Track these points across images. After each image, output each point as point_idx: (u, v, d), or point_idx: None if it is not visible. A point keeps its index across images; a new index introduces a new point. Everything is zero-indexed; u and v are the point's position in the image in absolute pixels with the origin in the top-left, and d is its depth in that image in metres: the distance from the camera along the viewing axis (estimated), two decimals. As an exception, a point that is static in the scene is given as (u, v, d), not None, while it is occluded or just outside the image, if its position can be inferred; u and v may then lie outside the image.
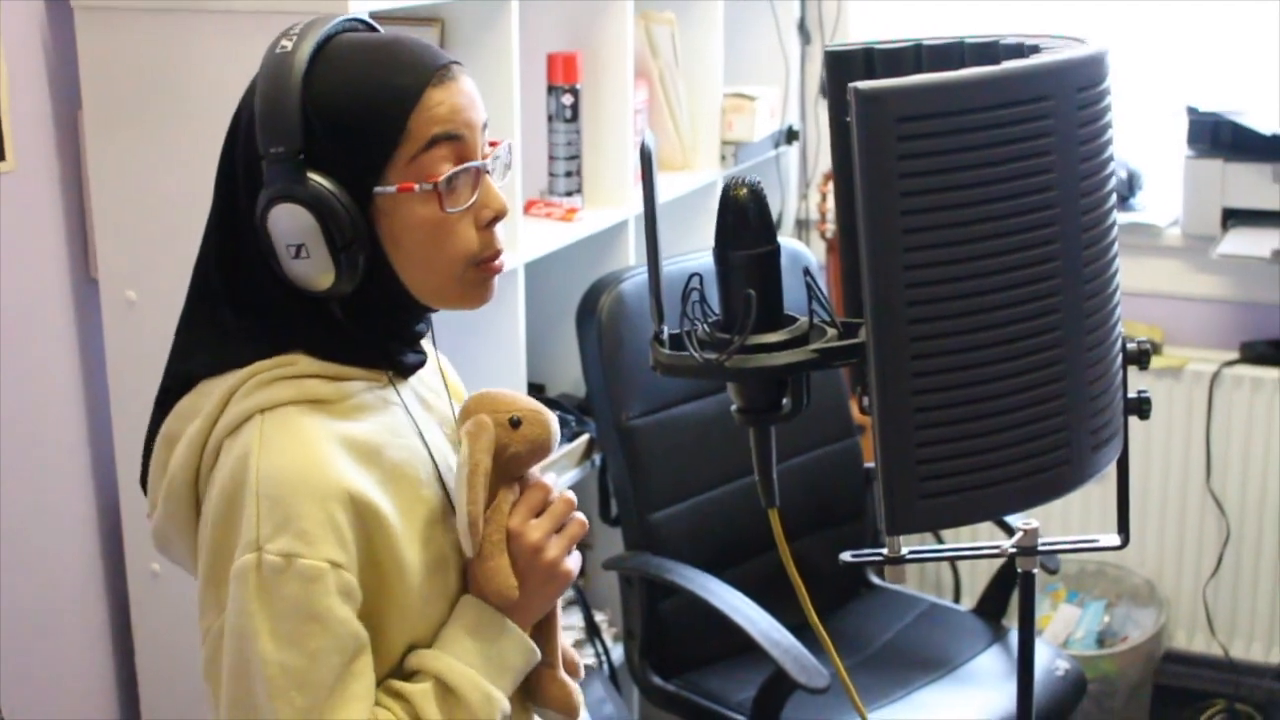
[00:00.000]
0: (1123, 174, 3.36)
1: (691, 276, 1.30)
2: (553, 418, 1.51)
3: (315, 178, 1.36)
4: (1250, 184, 3.15)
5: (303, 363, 1.42)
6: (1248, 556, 3.35)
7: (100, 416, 2.40)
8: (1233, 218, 3.19)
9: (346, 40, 1.43)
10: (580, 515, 1.52)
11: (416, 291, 1.44)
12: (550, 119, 2.71)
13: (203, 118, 2.18)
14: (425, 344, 1.54)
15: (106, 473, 2.42)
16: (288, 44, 1.39)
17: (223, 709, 1.38)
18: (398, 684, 1.42)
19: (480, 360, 2.56)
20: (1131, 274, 3.31)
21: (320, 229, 1.36)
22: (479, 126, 1.43)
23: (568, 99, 2.69)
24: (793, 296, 1.32)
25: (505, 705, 1.45)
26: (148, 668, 2.46)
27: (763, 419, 1.32)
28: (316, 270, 1.38)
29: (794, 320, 1.30)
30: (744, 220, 1.28)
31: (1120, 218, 3.75)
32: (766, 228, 1.28)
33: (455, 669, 1.42)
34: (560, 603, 1.57)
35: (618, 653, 2.91)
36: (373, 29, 1.48)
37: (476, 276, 1.45)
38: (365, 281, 1.40)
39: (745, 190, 1.28)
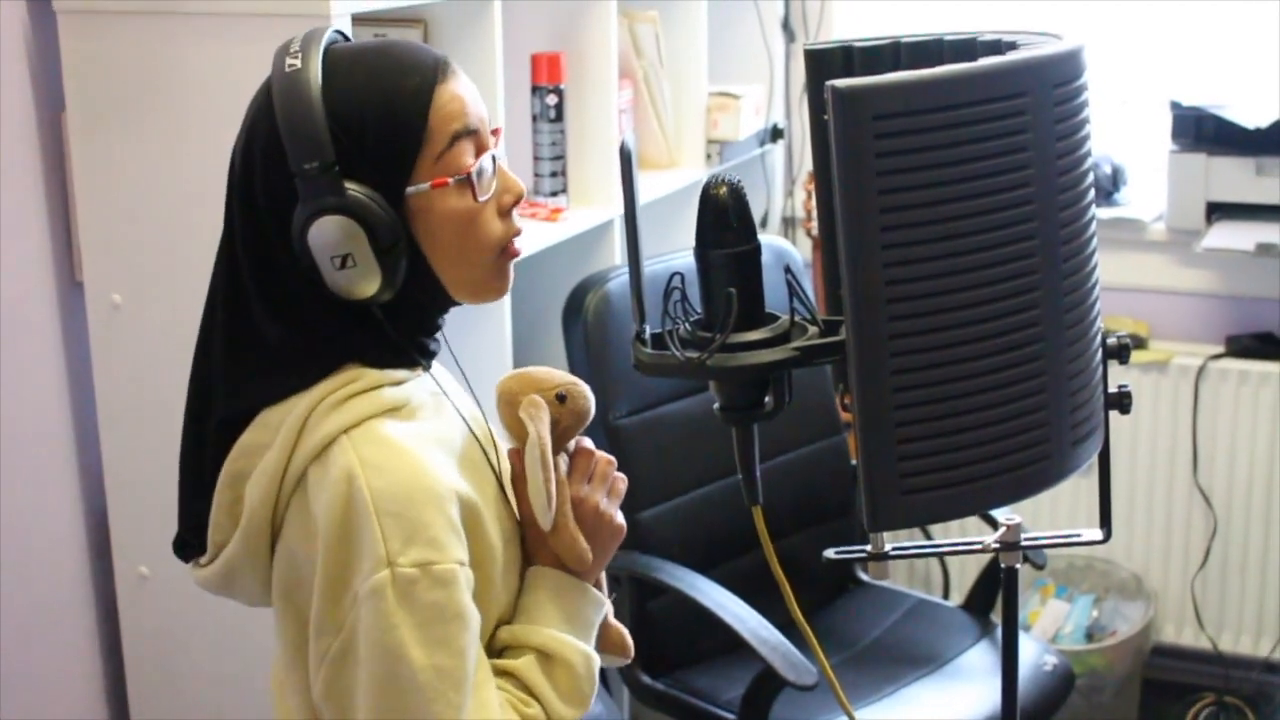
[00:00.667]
0: (1107, 169, 3.37)
1: (673, 275, 1.31)
2: (588, 388, 1.57)
3: (352, 186, 1.38)
4: (1234, 178, 3.16)
5: (367, 376, 1.43)
6: (1235, 549, 3.36)
7: (87, 420, 2.40)
8: (1217, 212, 3.20)
9: (344, 51, 1.45)
10: (621, 474, 1.58)
11: (451, 285, 1.47)
12: (535, 119, 2.72)
13: (187, 120, 2.19)
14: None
15: (94, 476, 2.42)
16: (295, 62, 1.40)
17: None
18: (500, 662, 1.47)
19: (467, 360, 2.57)
20: (1116, 269, 3.32)
21: (365, 236, 1.38)
22: (485, 117, 1.47)
23: (552, 99, 2.70)
24: (777, 294, 1.32)
25: (597, 658, 1.52)
26: (136, 671, 2.46)
27: (745, 417, 1.33)
28: (362, 278, 1.39)
29: (775, 318, 1.31)
30: (724, 219, 1.28)
31: (1104, 213, 3.72)
32: (747, 226, 1.29)
33: (554, 638, 1.48)
34: None
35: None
36: (348, 39, 1.51)
37: (502, 264, 1.49)
38: (405, 283, 1.43)
39: (725, 189, 1.29)
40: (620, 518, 1.56)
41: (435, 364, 1.58)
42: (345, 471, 1.37)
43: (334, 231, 1.37)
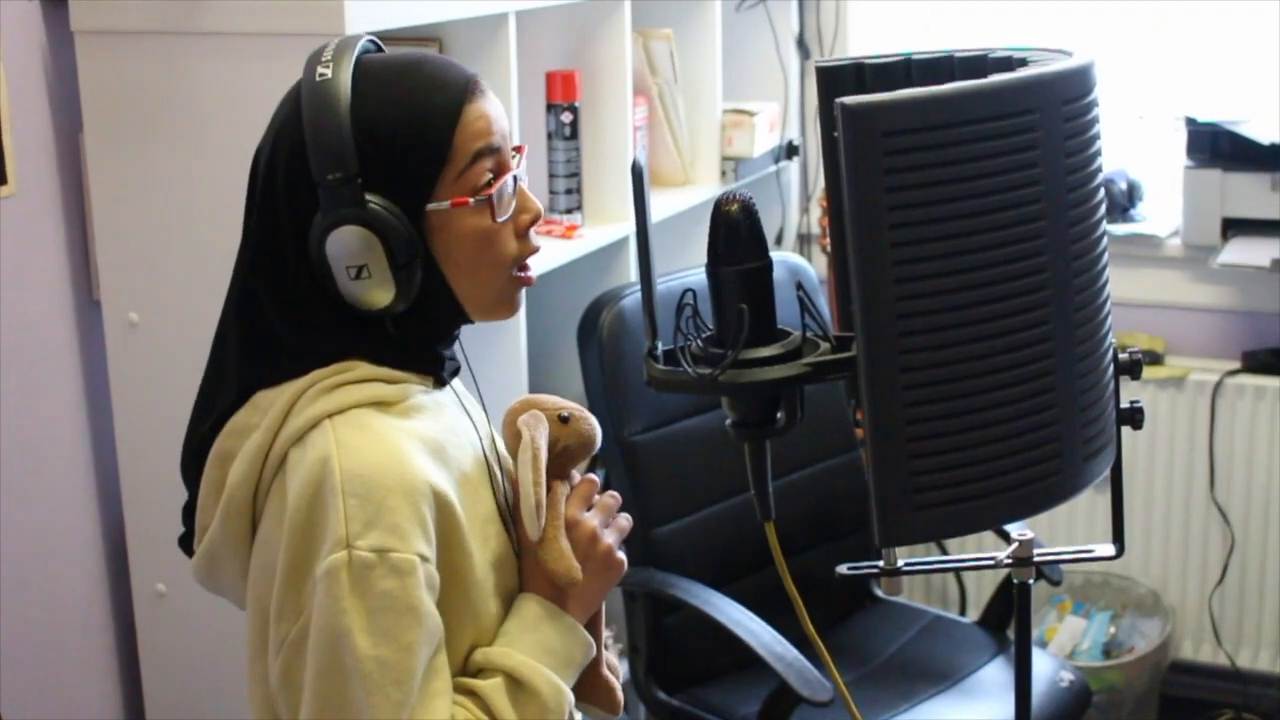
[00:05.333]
0: (1122, 185, 3.37)
1: (685, 292, 1.31)
2: (594, 418, 1.57)
3: (373, 199, 1.39)
4: (1249, 193, 3.16)
5: (361, 368, 1.44)
6: (1253, 566, 3.35)
7: (104, 438, 2.41)
8: (1233, 227, 3.20)
9: (376, 62, 1.45)
10: (625, 515, 1.56)
11: (465, 301, 1.47)
12: (550, 137, 2.72)
13: (203, 139, 2.20)
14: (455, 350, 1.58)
15: (111, 494, 2.43)
16: (325, 71, 1.41)
17: (308, 708, 1.37)
18: (467, 680, 1.44)
19: (482, 377, 2.57)
20: (1132, 285, 3.32)
21: (382, 248, 1.39)
22: (508, 135, 1.48)
23: (567, 117, 2.71)
24: (791, 311, 1.33)
25: (572, 698, 1.48)
26: (154, 689, 2.47)
27: (757, 433, 1.33)
28: (376, 289, 1.41)
29: (787, 334, 1.31)
30: (735, 236, 1.29)
31: (1120, 229, 3.70)
32: (758, 243, 1.29)
33: (527, 664, 1.44)
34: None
35: (623, 668, 2.92)
36: (381, 49, 1.52)
37: (515, 284, 1.50)
38: (418, 297, 1.43)
39: (736, 206, 1.29)
40: (620, 554, 1.53)
41: (459, 385, 1.58)
42: (321, 453, 1.37)
43: (351, 242, 1.38)
